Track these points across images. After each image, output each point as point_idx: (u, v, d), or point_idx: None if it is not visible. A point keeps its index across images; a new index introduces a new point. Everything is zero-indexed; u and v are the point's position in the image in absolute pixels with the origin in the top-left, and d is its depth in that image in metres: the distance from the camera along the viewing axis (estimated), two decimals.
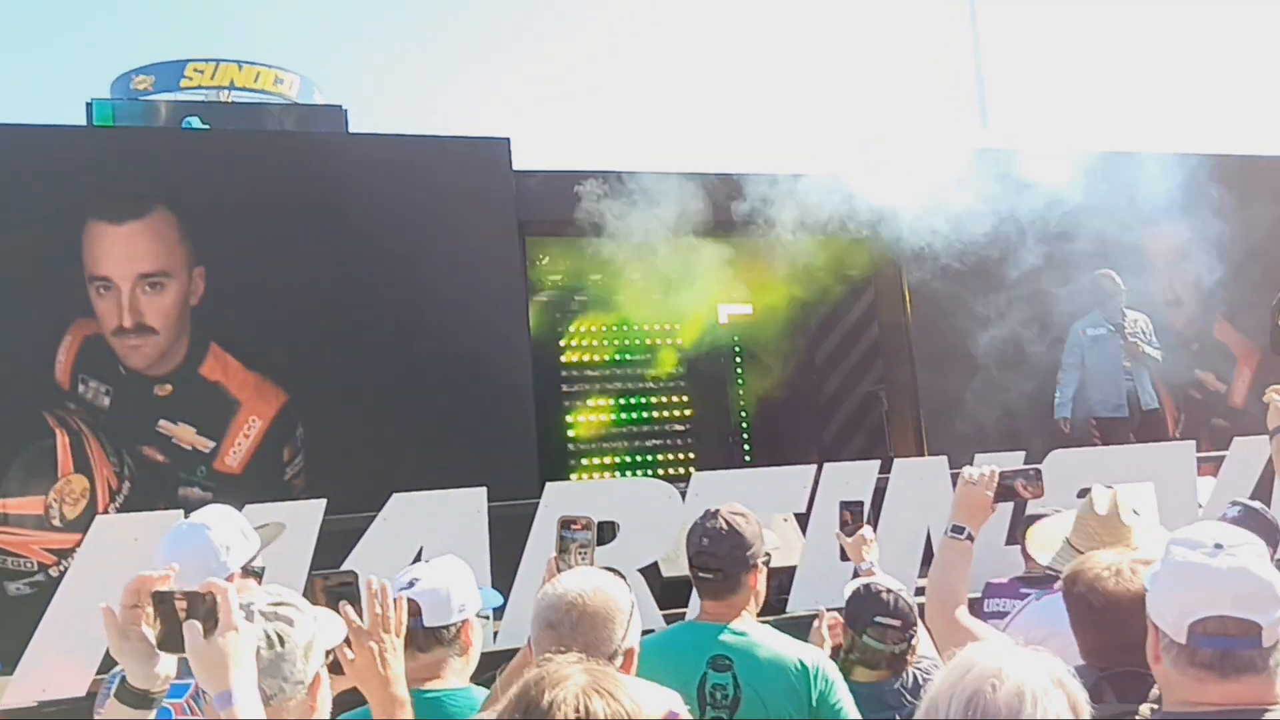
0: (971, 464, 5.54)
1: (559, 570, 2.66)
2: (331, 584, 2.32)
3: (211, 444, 6.91)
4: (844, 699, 2.99)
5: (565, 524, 2.71)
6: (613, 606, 2.32)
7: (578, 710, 1.46)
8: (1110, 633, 2.51)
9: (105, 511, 6.49)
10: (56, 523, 6.51)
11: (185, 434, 6.90)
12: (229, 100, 20.28)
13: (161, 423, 6.84)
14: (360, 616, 2.30)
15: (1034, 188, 8.40)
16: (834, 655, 3.39)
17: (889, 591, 3.38)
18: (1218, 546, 1.97)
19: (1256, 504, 4.66)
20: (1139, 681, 2.23)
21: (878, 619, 3.33)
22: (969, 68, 19.54)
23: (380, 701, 2.26)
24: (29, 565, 6.41)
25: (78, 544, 6.26)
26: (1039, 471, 3.27)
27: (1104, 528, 3.48)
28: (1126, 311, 8.34)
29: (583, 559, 2.65)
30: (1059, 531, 3.56)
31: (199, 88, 20.59)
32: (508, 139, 7.90)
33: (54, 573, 6.30)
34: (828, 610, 3.58)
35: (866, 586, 3.44)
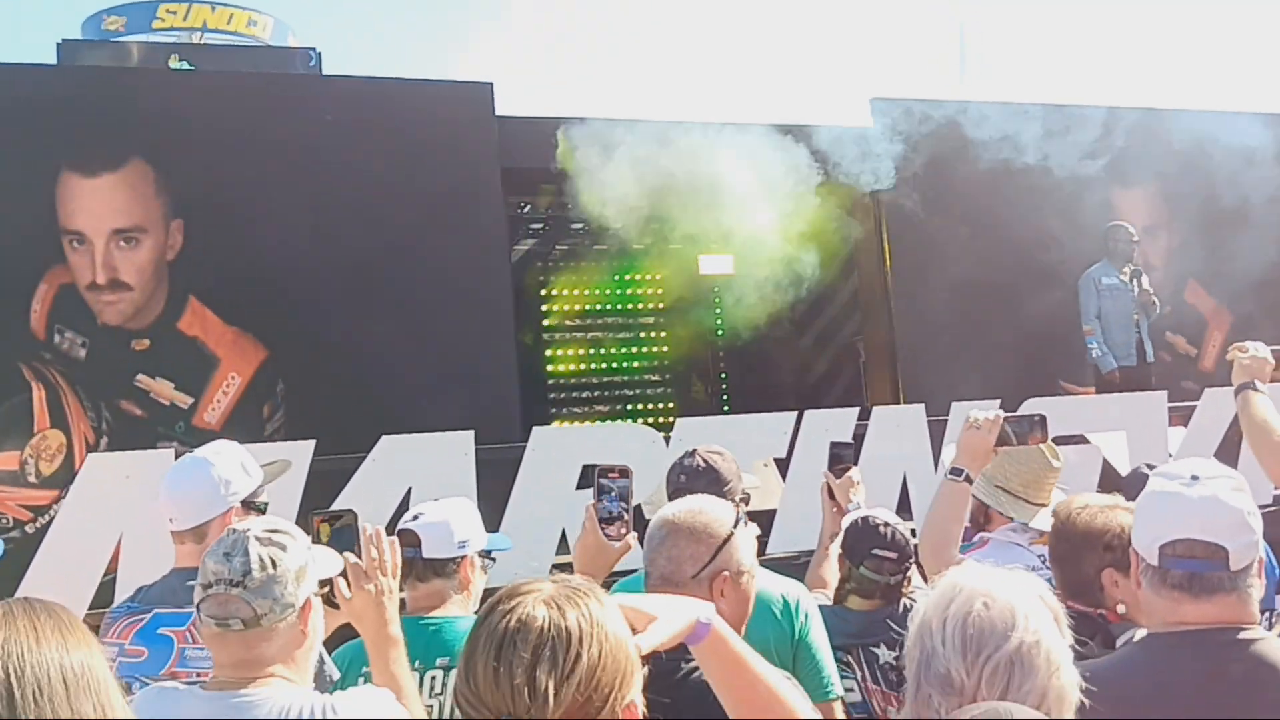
0: (947, 413, 5.70)
1: (598, 518, 2.71)
2: (329, 521, 2.38)
3: (190, 400, 6.89)
4: (819, 633, 3.07)
5: (602, 473, 2.76)
6: (704, 530, 2.35)
7: (519, 620, 1.48)
8: (1066, 567, 2.65)
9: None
10: (32, 479, 6.47)
11: (164, 389, 6.87)
12: (201, 42, 19.99)
13: (140, 377, 6.80)
14: (358, 554, 2.36)
15: (1010, 140, 8.48)
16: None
17: (886, 525, 3.48)
18: (1194, 478, 2.08)
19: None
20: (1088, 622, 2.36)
21: (875, 551, 3.43)
22: (951, 20, 19.49)
23: (375, 639, 2.33)
24: (5, 522, 6.35)
25: (55, 500, 6.31)
26: (1044, 418, 3.35)
27: (1049, 476, 3.60)
28: (1135, 263, 8.51)
29: (621, 507, 2.72)
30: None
31: (171, 29, 20.30)
32: (490, 83, 7.86)
33: (30, 530, 6.22)
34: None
35: (865, 519, 3.54)
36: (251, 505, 2.99)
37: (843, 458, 3.92)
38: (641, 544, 2.48)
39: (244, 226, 6.99)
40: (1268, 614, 3.65)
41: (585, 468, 4.99)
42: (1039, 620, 1.66)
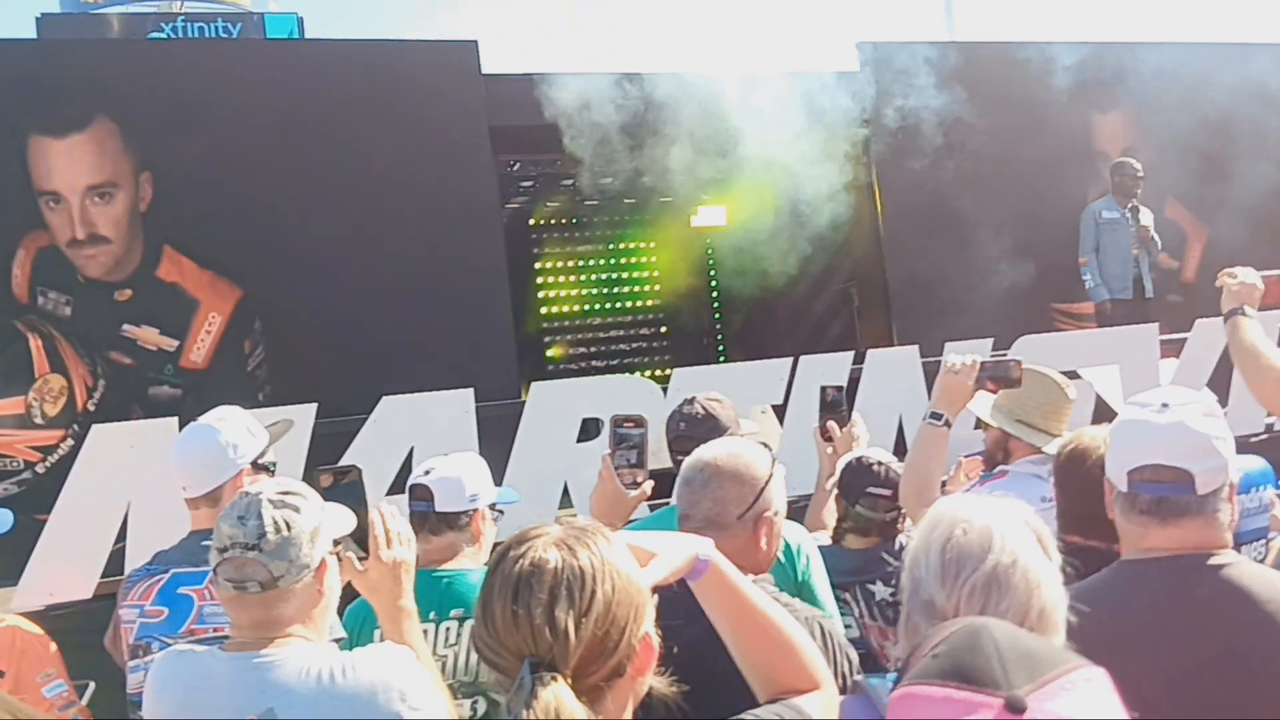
0: (941, 353, 5.74)
1: (614, 467, 2.73)
2: (334, 477, 2.40)
3: (175, 343, 7.05)
4: (820, 575, 3.12)
5: (618, 422, 2.78)
6: (746, 472, 2.36)
7: (533, 562, 1.50)
8: (1082, 501, 2.69)
9: (85, 409, 6.65)
10: (39, 420, 6.65)
11: (149, 336, 7.03)
12: (182, 10, 19.78)
13: (125, 327, 6.96)
14: (365, 505, 2.37)
15: (996, 78, 8.48)
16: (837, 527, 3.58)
17: (879, 463, 3.54)
18: (1164, 405, 2.09)
19: None
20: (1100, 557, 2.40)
21: (869, 489, 3.50)
22: None
23: (389, 611, 2.35)
24: (15, 465, 6.55)
25: (62, 439, 6.52)
26: (1019, 362, 3.39)
27: (1067, 410, 3.64)
28: (1136, 200, 8.59)
29: (637, 454, 2.75)
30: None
31: None
32: (475, 41, 7.83)
33: (40, 469, 6.49)
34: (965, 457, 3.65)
35: (858, 459, 3.60)
36: (260, 466, 3.04)
37: (834, 401, 3.96)
38: (667, 490, 2.49)
39: (223, 185, 7.07)
40: (1263, 541, 3.73)
41: (585, 421, 5.04)
42: (1016, 541, 1.68)
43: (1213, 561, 2.03)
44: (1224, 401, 5.76)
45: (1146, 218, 8.62)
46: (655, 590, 1.62)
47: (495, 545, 3.20)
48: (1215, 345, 6.15)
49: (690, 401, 3.39)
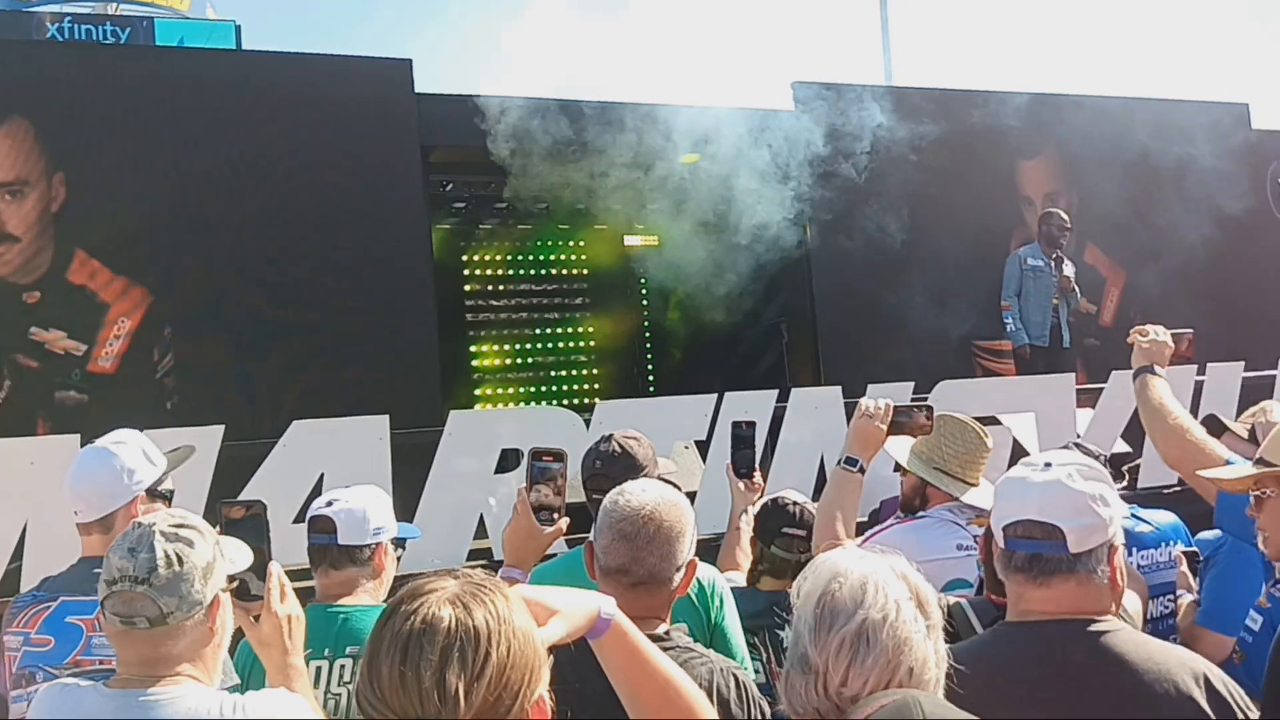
0: (865, 395, 5.76)
1: (530, 501, 2.66)
2: (237, 511, 2.32)
3: (84, 347, 6.84)
4: (732, 618, 3.09)
5: (537, 455, 2.70)
6: (684, 520, 2.37)
7: (424, 620, 1.43)
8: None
9: None
10: None
11: (56, 339, 6.83)
12: (116, 12, 19.42)
13: (33, 330, 6.75)
14: (268, 542, 2.31)
15: (927, 123, 8.61)
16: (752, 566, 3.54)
17: (795, 504, 3.52)
18: (1047, 465, 2.11)
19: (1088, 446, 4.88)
20: None
21: (785, 530, 3.47)
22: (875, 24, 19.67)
23: (279, 667, 2.28)
24: None
25: None
26: (931, 409, 3.39)
27: (984, 458, 3.65)
28: (1060, 251, 8.76)
29: (554, 489, 2.67)
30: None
31: None
32: (409, 60, 7.76)
33: None
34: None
35: (774, 500, 3.58)
36: (157, 493, 2.93)
37: (745, 437, 3.94)
38: (587, 529, 2.44)
39: (140, 191, 6.90)
40: (1170, 596, 3.78)
41: (504, 452, 4.96)
42: (889, 597, 1.67)
43: (1092, 628, 2.02)
44: (1139, 453, 5.89)
45: (1069, 269, 8.80)
46: (552, 650, 1.57)
47: (397, 579, 3.14)
48: (1131, 397, 6.28)
49: (607, 439, 3.34)
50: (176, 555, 2.01)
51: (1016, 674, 2.00)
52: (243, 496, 4.20)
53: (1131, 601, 2.52)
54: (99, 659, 2.65)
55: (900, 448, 3.69)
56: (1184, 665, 1.99)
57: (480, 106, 8.22)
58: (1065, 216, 8.75)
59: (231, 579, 2.14)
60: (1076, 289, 8.79)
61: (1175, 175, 9.51)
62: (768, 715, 2.34)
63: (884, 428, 3.21)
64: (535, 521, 2.66)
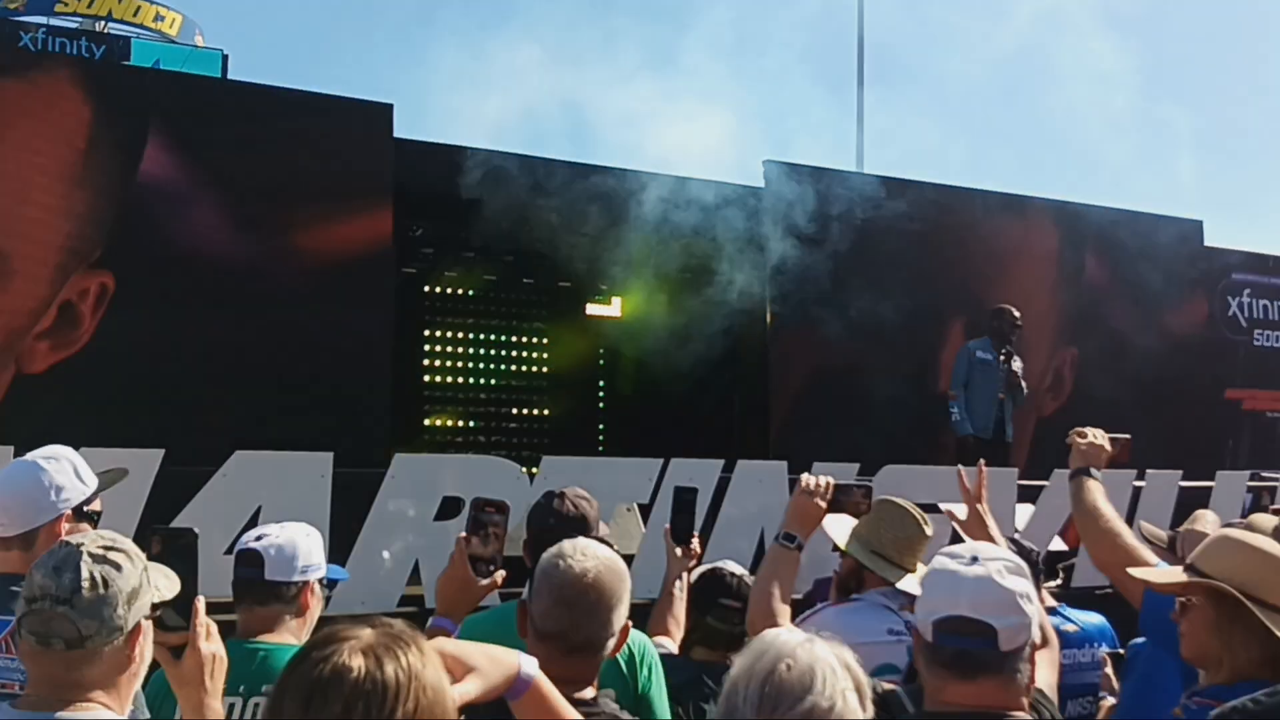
0: (810, 471, 5.80)
1: (469, 549, 2.60)
2: (168, 539, 2.28)
3: None
4: (659, 688, 3.07)
5: (480, 506, 2.66)
6: (623, 587, 2.34)
7: (334, 668, 1.40)
8: None
9: None
10: None
11: None
12: (104, 31, 19.42)
13: None
14: (196, 574, 2.23)
15: (894, 211, 8.80)
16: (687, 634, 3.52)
17: (733, 575, 3.50)
18: (974, 559, 2.12)
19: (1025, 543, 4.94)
20: None
21: (721, 600, 3.45)
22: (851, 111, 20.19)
23: (195, 707, 2.20)
24: None
25: None
26: (870, 488, 3.43)
27: (921, 545, 3.68)
28: (1009, 347, 8.85)
29: (494, 542, 2.64)
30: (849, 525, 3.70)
31: (75, 14, 19.68)
32: (390, 104, 7.83)
33: None
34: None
35: (712, 570, 3.55)
36: (83, 514, 2.87)
37: (686, 503, 3.95)
38: (523, 585, 2.41)
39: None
40: (1091, 698, 3.81)
41: (445, 499, 4.94)
42: (836, 686, 1.68)
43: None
44: (1074, 552, 5.96)
45: (1017, 365, 8.90)
46: (464, 709, 1.56)
47: (323, 620, 3.10)
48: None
49: (561, 497, 3.29)
50: (102, 578, 1.96)
51: None
52: (175, 524, 4.17)
53: (1044, 677, 2.54)
54: (4, 682, 2.55)
55: (840, 529, 3.71)
56: None
57: (456, 157, 8.29)
58: (1016, 313, 8.87)
59: (155, 607, 2.08)
60: (1024, 384, 8.89)
61: (1129, 285, 9.73)
62: None
63: (823, 505, 3.23)
64: (471, 572, 2.61)
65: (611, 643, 2.33)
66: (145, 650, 2.06)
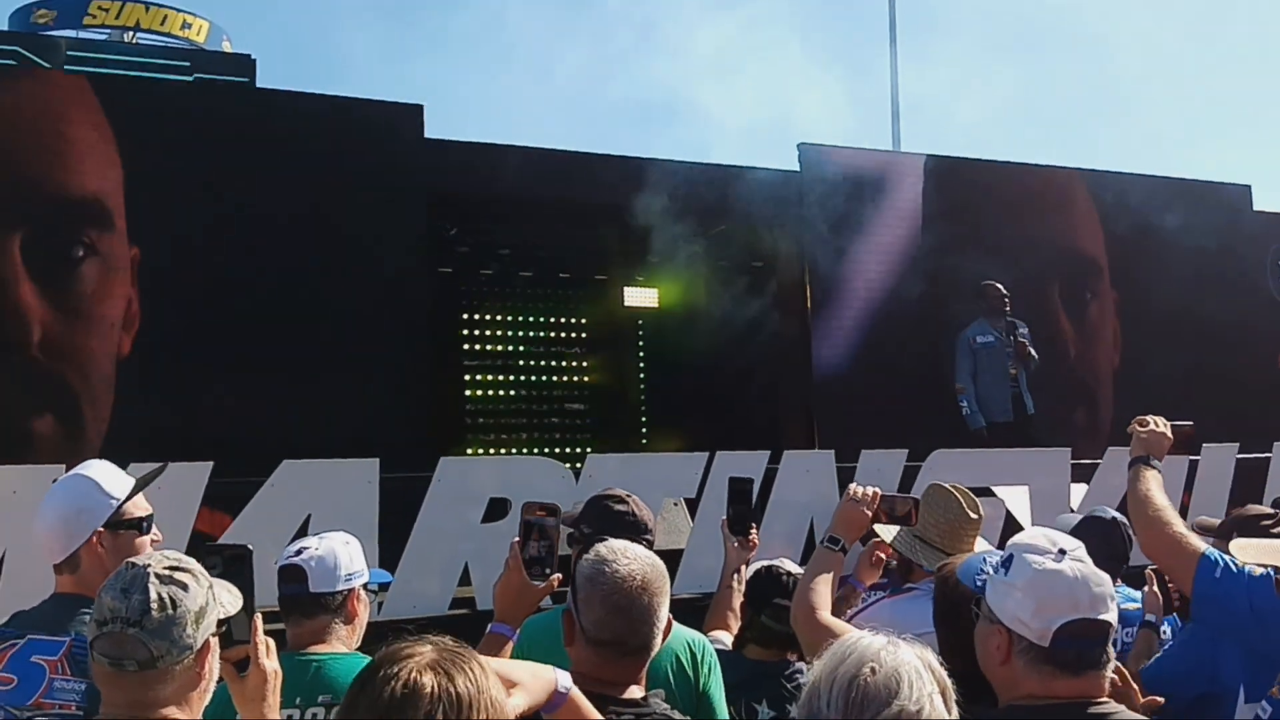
0: (857, 459, 5.74)
1: (522, 555, 2.58)
2: (222, 555, 2.29)
3: None
4: (718, 686, 3.07)
5: (530, 510, 2.66)
6: (667, 584, 2.36)
7: (405, 686, 1.45)
8: (947, 626, 2.66)
9: None
10: None
11: None
12: (133, 41, 19.62)
13: None
14: (252, 588, 2.28)
15: (934, 190, 8.66)
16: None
17: (788, 574, 3.48)
18: (1061, 552, 2.13)
19: (1099, 510, 4.87)
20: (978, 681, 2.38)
21: (776, 600, 3.42)
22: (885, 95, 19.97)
23: None
24: None
25: None
26: (917, 501, 3.41)
27: (970, 528, 3.63)
28: (1009, 318, 8.61)
29: (548, 547, 2.63)
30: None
31: (103, 26, 19.90)
32: (421, 105, 7.80)
33: None
34: None
35: (768, 569, 3.53)
36: (124, 523, 2.82)
37: (743, 494, 3.92)
38: (567, 583, 2.41)
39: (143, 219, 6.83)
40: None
41: (492, 500, 4.92)
42: (923, 690, 1.65)
43: (1096, 710, 2.08)
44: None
45: (1023, 332, 8.58)
46: None
47: (372, 626, 3.10)
48: (1124, 474, 6.27)
49: (623, 500, 3.27)
50: (170, 598, 1.99)
51: None
52: (226, 538, 4.19)
53: None
54: (60, 703, 2.57)
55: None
56: None
57: (490, 154, 8.28)
58: (1000, 286, 8.53)
59: (221, 624, 2.11)
60: (1033, 352, 8.56)
61: (1177, 253, 9.54)
62: None
63: (869, 513, 3.24)
64: (527, 577, 2.60)
65: (659, 640, 2.33)
66: (213, 666, 2.09)
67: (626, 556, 2.32)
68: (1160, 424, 3.37)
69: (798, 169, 8.81)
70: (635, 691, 2.29)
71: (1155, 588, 3.73)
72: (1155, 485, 3.17)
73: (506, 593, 2.62)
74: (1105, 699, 2.11)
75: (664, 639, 2.36)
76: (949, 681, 1.72)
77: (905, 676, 1.65)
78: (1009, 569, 2.17)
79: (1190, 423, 3.45)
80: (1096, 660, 2.10)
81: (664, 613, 2.31)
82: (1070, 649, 2.08)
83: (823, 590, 3.10)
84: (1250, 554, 2.76)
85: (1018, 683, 2.12)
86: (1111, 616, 2.11)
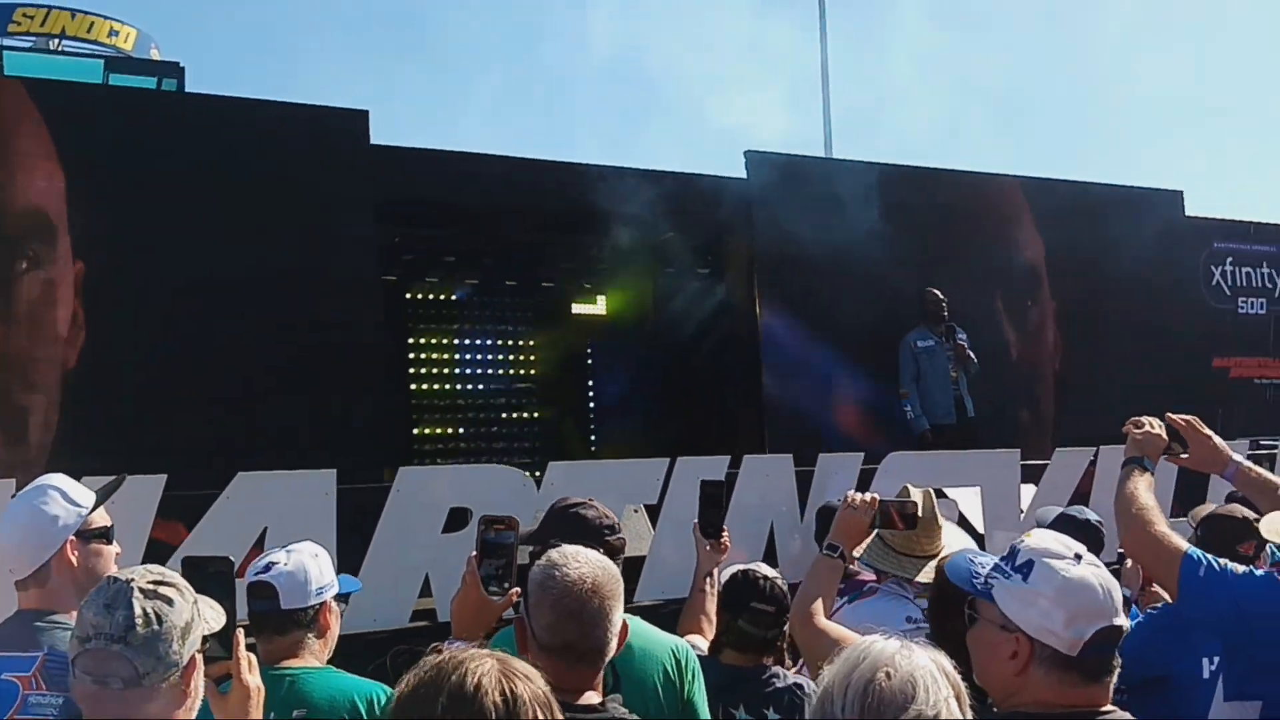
0: (814, 464, 5.76)
1: (479, 571, 2.57)
2: (203, 570, 2.23)
3: None
4: (702, 693, 3.06)
5: (488, 524, 2.64)
6: (619, 586, 2.34)
7: (503, 693, 1.55)
8: (941, 623, 2.68)
9: None
10: None
11: None
12: (58, 49, 19.16)
13: None
14: (232, 601, 2.23)
15: (877, 197, 8.76)
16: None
17: (765, 578, 3.48)
18: (1077, 556, 2.12)
19: (1074, 510, 4.96)
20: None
21: (753, 604, 3.42)
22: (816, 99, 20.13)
23: None
24: None
25: None
26: (915, 504, 3.43)
27: (920, 528, 3.66)
28: (948, 323, 8.80)
29: (506, 562, 2.59)
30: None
31: (27, 34, 19.39)
32: (366, 111, 7.69)
33: None
34: None
35: (745, 573, 3.53)
36: (90, 534, 2.78)
37: (713, 497, 3.92)
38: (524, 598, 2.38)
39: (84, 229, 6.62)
40: None
41: (453, 511, 4.86)
42: (939, 695, 1.64)
43: (1106, 717, 2.07)
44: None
45: (962, 338, 8.79)
46: None
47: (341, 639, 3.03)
48: (1072, 473, 6.38)
49: (588, 504, 3.24)
50: (155, 613, 1.94)
51: None
52: (181, 552, 4.08)
53: None
54: (35, 719, 2.52)
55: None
56: None
57: (434, 161, 8.20)
58: (937, 292, 8.77)
59: (205, 640, 2.07)
60: (972, 355, 8.77)
61: (1113, 259, 9.74)
62: None
63: (867, 520, 3.26)
64: (485, 592, 2.57)
65: (613, 645, 2.31)
66: (199, 683, 2.05)
67: (577, 561, 2.31)
68: (1155, 425, 3.36)
69: (744, 175, 8.85)
70: (592, 697, 2.28)
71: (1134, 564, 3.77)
72: (1143, 486, 3.15)
73: (464, 609, 2.59)
74: (1112, 708, 2.09)
75: (621, 642, 2.35)
76: (963, 685, 1.72)
77: (921, 681, 1.65)
78: (1028, 575, 2.11)
79: (1187, 417, 3.44)
80: (1112, 666, 2.09)
81: (617, 616, 2.30)
82: (1094, 656, 2.06)
83: (822, 598, 3.14)
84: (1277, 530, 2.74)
85: (1029, 690, 2.09)
86: (1125, 620, 2.11)
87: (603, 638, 2.26)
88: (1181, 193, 10.81)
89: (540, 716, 1.58)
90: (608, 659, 2.31)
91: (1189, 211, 10.89)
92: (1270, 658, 2.78)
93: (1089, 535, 4.43)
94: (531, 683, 1.61)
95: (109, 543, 2.81)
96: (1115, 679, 2.10)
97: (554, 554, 2.34)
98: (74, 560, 2.71)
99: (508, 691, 1.57)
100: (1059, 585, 2.09)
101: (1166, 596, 3.13)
